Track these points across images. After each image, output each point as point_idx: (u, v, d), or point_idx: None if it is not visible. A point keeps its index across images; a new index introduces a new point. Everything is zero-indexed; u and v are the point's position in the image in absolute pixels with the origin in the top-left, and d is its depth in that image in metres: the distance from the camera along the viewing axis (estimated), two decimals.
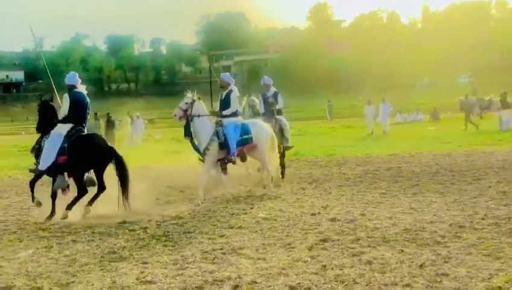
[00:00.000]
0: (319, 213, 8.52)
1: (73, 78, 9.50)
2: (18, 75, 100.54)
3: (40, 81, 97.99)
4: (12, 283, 5.63)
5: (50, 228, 8.43)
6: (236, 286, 5.22)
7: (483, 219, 7.61)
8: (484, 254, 5.94)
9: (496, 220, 7.46)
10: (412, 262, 5.71)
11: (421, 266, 5.58)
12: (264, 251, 6.46)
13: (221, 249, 6.63)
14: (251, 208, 9.24)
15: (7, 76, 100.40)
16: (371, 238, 6.78)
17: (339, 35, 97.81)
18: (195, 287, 5.26)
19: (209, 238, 7.22)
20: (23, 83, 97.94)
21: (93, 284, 5.46)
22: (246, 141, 10.70)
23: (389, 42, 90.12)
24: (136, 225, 8.36)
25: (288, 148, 13.11)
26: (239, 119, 10.92)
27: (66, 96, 9.31)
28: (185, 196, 10.97)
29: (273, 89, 12.86)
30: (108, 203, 9.82)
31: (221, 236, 7.33)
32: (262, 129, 10.96)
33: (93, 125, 20.60)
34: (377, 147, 19.45)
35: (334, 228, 7.48)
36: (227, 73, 12.54)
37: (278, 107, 12.60)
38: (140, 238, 7.44)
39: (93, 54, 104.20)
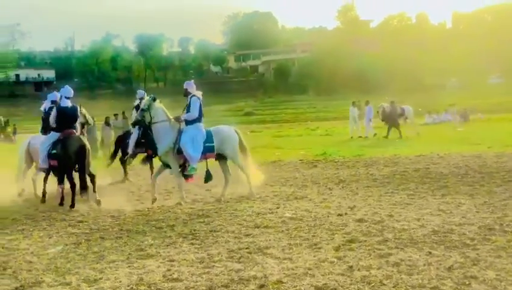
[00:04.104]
0: (345, 214, 8.48)
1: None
2: (49, 74, 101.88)
3: (75, 80, 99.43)
4: (41, 278, 5.72)
5: (79, 225, 8.55)
6: (262, 286, 5.22)
7: None
8: None
9: None
10: (440, 264, 5.65)
11: (449, 268, 5.52)
12: (290, 251, 6.45)
13: (247, 248, 6.64)
14: (277, 208, 9.24)
15: (39, 75, 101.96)
16: (399, 240, 6.72)
17: (367, 36, 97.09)
18: (221, 285, 5.28)
19: (235, 237, 7.24)
20: (54, 82, 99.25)
21: (120, 281, 5.52)
22: None
23: (418, 43, 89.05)
24: (163, 222, 8.43)
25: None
26: None
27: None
28: (211, 195, 10.99)
29: (193, 94, 10.75)
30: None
31: (247, 235, 7.34)
32: None
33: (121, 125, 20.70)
34: (405, 148, 19.26)
35: (361, 228, 7.43)
36: None
37: (186, 117, 10.53)
38: (167, 236, 7.50)
39: (123, 54, 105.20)
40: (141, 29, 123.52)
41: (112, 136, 24.53)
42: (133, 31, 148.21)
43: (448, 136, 24.42)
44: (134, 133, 13.67)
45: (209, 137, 10.50)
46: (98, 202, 10.17)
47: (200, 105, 10.58)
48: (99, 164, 13.95)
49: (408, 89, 68.19)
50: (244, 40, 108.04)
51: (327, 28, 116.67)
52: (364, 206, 9.06)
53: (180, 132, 10.42)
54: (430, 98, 56.51)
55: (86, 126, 13.22)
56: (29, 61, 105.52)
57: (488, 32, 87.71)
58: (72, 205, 10.09)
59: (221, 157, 10.81)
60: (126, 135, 14.73)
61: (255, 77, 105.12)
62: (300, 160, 17.19)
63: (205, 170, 10.63)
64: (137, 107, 13.39)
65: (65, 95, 10.65)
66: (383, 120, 26.57)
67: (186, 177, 10.51)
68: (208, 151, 10.50)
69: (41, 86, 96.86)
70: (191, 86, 10.77)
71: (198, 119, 10.49)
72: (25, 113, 66.51)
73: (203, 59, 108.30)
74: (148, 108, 10.51)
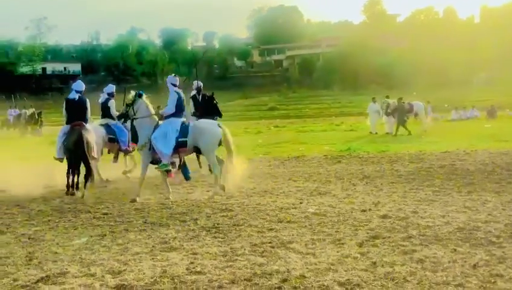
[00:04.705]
0: (369, 210, 8.43)
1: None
2: (75, 67, 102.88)
3: (102, 73, 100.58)
4: (66, 269, 5.78)
5: (104, 217, 8.63)
6: (285, 280, 5.22)
7: None
8: None
9: None
10: (465, 262, 5.58)
11: (474, 266, 5.45)
12: (313, 246, 6.43)
13: (270, 242, 6.64)
14: (300, 203, 9.21)
15: (65, 68, 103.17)
16: (423, 237, 6.66)
17: (393, 30, 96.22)
18: (244, 279, 5.29)
19: (258, 232, 7.24)
20: (80, 75, 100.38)
21: (144, 273, 5.56)
22: None
23: (445, 38, 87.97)
24: (187, 216, 8.47)
25: None
26: None
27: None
28: (235, 189, 11.00)
29: (174, 90, 10.78)
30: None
31: (270, 230, 7.34)
32: None
33: None
34: (431, 144, 19.07)
35: (385, 225, 7.38)
36: None
37: (163, 112, 10.73)
38: (190, 229, 7.53)
39: (148, 48, 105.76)
40: (166, 23, 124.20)
41: None
42: (158, 25, 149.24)
43: (475, 133, 24.11)
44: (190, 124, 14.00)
45: (184, 132, 10.36)
46: (82, 196, 10.60)
47: (179, 100, 10.55)
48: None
49: (435, 84, 67.52)
50: (269, 35, 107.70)
51: (353, 22, 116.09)
52: (389, 203, 8.99)
53: (156, 127, 10.46)
54: (457, 94, 55.87)
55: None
56: (55, 54, 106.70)
57: None
58: (75, 188, 10.74)
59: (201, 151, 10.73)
60: None
61: (279, 72, 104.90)
62: (324, 155, 17.13)
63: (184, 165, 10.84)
64: (193, 98, 14.24)
65: (75, 89, 11.19)
66: (387, 115, 26.09)
67: (168, 172, 10.54)
68: (180, 146, 10.36)
69: (67, 79, 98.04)
70: (170, 81, 10.82)
71: (174, 114, 10.46)
72: (51, 106, 67.27)
73: (227, 53, 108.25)
74: (132, 103, 10.62)
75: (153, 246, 6.66)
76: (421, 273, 5.29)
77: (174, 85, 10.71)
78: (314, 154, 17.48)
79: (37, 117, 36.06)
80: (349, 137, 24.97)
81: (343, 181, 11.75)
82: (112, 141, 13.06)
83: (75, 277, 5.53)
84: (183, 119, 10.64)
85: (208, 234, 7.22)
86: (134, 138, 11.24)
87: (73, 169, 10.82)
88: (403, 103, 25.59)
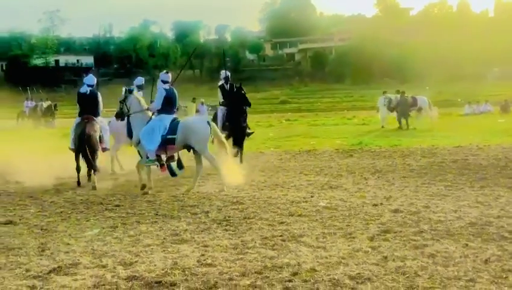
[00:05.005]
0: (381, 204, 8.40)
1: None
2: (88, 60, 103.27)
3: (115, 66, 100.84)
4: (78, 260, 5.82)
5: (116, 209, 8.68)
6: (295, 273, 5.22)
7: None
8: None
9: None
10: (477, 257, 5.55)
11: (486, 261, 5.42)
12: (324, 240, 6.42)
13: (281, 235, 6.64)
14: (311, 197, 9.21)
15: (78, 60, 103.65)
16: (435, 231, 6.63)
17: (406, 24, 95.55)
18: (255, 272, 5.29)
19: (269, 225, 7.25)
20: (93, 68, 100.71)
21: (155, 265, 5.59)
22: None
23: (459, 31, 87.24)
24: (198, 208, 8.49)
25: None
26: None
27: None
28: (246, 182, 11.01)
29: (163, 86, 10.92)
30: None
31: (281, 223, 7.34)
32: None
33: None
34: (444, 139, 18.96)
35: (397, 219, 7.36)
36: None
37: (150, 108, 10.96)
38: (201, 222, 7.55)
39: (160, 40, 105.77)
40: (178, 16, 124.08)
41: None
42: (171, 17, 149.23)
43: (488, 128, 23.92)
44: (220, 113, 14.36)
45: (173, 129, 10.31)
46: (94, 187, 10.80)
47: (169, 96, 10.53)
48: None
49: (448, 78, 67.06)
50: (281, 28, 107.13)
51: (366, 15, 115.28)
52: (401, 197, 8.96)
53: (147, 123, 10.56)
54: (470, 88, 55.47)
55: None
56: (68, 47, 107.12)
57: None
58: (78, 183, 11.23)
59: (193, 149, 10.65)
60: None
61: (291, 65, 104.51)
62: (336, 149, 17.10)
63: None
64: (221, 87, 14.46)
65: (87, 83, 11.64)
66: (390, 111, 25.90)
67: (162, 166, 10.59)
68: (168, 143, 10.33)
69: (80, 72, 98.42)
70: (160, 77, 10.85)
71: (165, 111, 10.48)
72: (64, 98, 67.59)
73: (239, 46, 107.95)
74: (125, 100, 10.72)
75: (164, 238, 6.69)
76: (432, 268, 5.27)
77: (166, 82, 10.72)
78: (326, 148, 17.45)
79: (53, 109, 36.45)
80: (361, 131, 24.90)
81: (354, 175, 11.72)
82: None
83: (87, 268, 5.57)
84: (174, 116, 10.65)
85: (218, 227, 7.24)
86: (129, 134, 11.29)
87: (85, 160, 11.04)
88: (406, 97, 25.46)
